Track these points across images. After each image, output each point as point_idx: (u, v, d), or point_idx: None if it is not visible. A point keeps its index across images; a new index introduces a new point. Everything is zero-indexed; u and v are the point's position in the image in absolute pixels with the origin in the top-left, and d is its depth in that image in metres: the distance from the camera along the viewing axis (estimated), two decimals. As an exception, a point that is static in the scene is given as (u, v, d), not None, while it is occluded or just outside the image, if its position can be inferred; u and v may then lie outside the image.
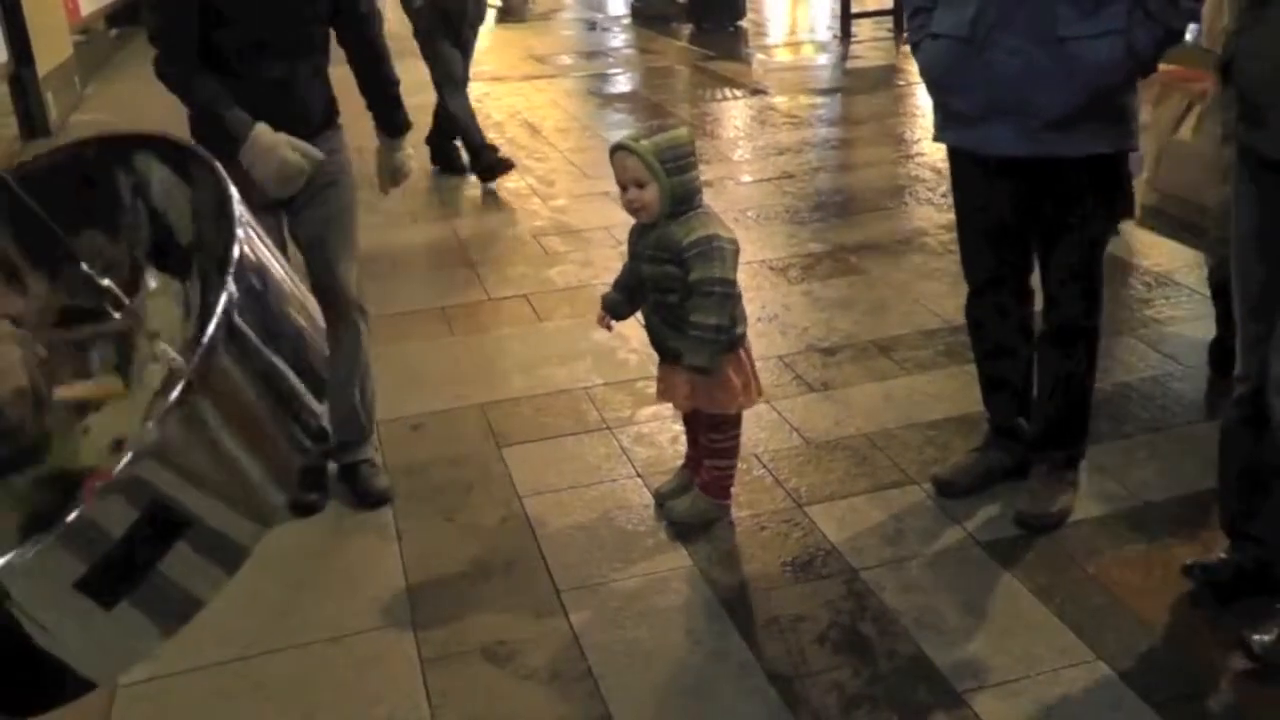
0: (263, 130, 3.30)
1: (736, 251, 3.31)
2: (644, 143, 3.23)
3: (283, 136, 3.34)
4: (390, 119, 3.76)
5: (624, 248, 5.87)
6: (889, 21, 13.05)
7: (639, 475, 3.83)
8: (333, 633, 3.17)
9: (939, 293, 5.20)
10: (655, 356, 3.57)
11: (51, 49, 9.76)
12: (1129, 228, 5.36)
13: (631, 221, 3.43)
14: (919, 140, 8.00)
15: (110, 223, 1.87)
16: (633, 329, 4.74)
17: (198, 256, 1.79)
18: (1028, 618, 3.04)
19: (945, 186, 6.76)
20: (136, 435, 1.56)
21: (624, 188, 3.31)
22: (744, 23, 14.06)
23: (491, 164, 7.39)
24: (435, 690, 2.92)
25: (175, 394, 1.37)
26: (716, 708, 2.79)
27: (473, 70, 7.73)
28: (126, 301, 1.76)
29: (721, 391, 3.38)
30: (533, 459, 3.98)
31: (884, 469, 3.78)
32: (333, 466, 3.85)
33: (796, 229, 6.27)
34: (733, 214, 6.24)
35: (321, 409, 1.61)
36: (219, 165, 1.68)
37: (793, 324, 5.00)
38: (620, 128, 9.09)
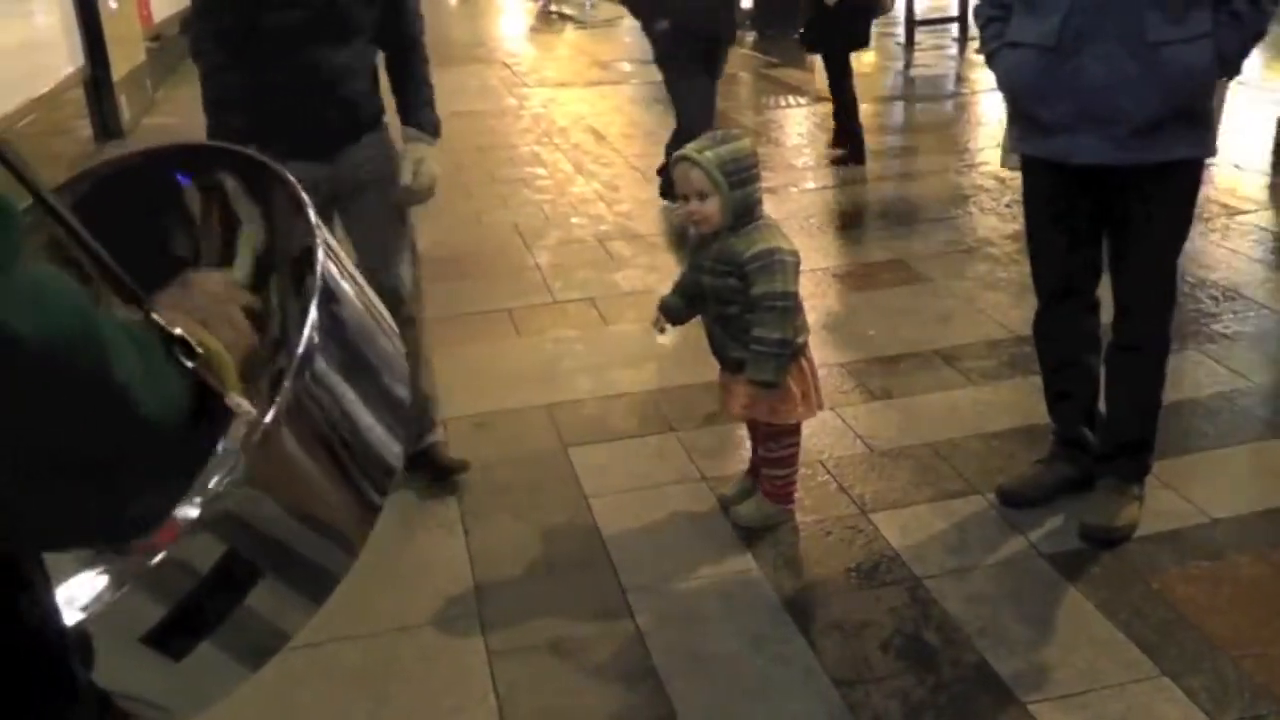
0: None
1: (797, 264, 3.32)
2: (708, 154, 3.24)
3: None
4: (425, 117, 3.70)
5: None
6: (953, 29, 13.02)
7: (704, 479, 3.86)
8: (400, 624, 3.23)
9: (1003, 303, 5.20)
10: (719, 369, 3.60)
11: (126, 54, 9.98)
12: (1199, 240, 5.33)
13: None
14: (983, 149, 7.98)
15: (183, 233, 1.84)
16: (698, 333, 4.79)
17: (274, 272, 1.75)
18: (1092, 631, 3.03)
19: (1009, 196, 6.77)
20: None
21: (686, 198, 3.33)
22: (807, 30, 14.04)
23: None
24: (502, 682, 2.96)
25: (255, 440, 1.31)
26: (780, 710, 2.82)
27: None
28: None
29: (782, 402, 3.40)
30: (598, 460, 4.02)
31: (948, 478, 3.78)
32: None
33: (859, 237, 6.29)
34: (796, 221, 6.27)
35: (399, 447, 1.53)
36: (298, 186, 1.62)
37: (856, 332, 5.01)
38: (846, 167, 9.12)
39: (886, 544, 3.45)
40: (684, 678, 2.94)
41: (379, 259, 3.62)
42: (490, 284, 5.80)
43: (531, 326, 5.25)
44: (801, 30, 8.08)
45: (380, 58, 3.65)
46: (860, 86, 7.96)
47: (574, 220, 6.97)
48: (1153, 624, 3.04)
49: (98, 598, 1.39)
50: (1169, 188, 3.20)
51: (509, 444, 4.12)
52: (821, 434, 4.04)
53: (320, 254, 1.47)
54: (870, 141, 8.32)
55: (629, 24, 16.07)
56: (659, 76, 6.72)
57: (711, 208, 3.26)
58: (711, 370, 3.65)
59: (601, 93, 11.00)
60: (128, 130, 9.48)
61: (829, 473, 3.85)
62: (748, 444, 3.75)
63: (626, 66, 12.50)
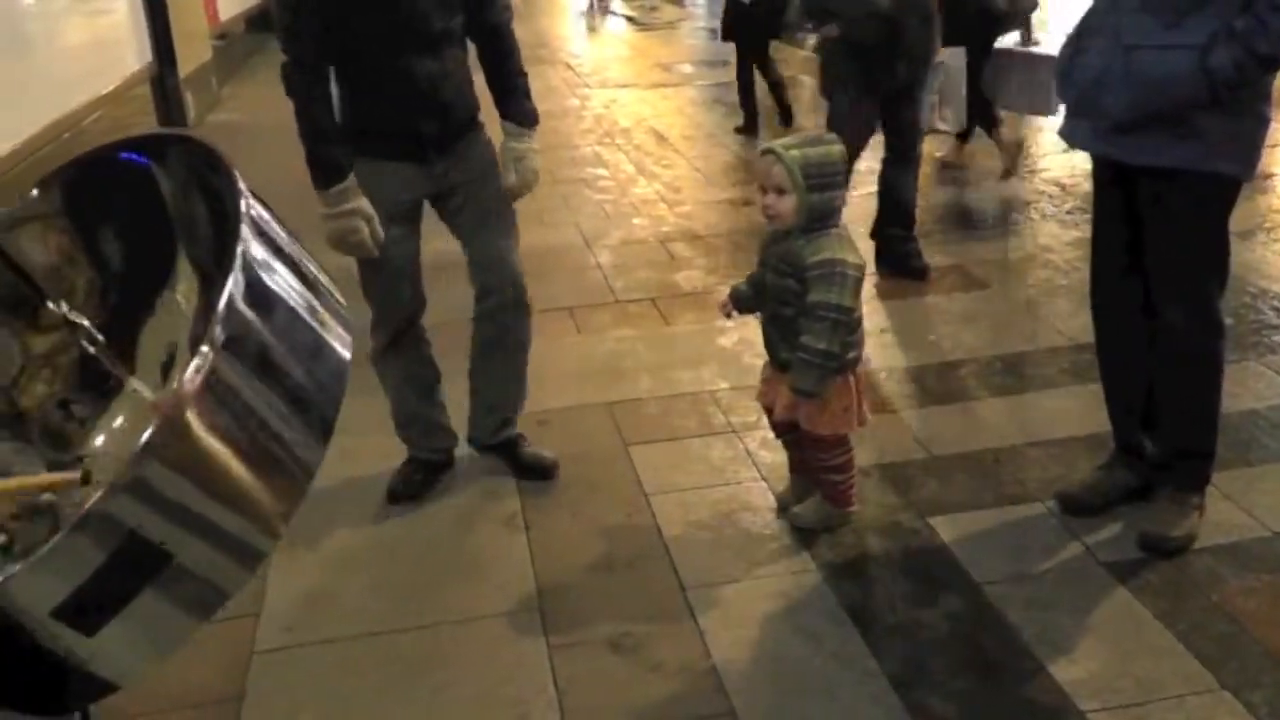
0: (353, 192, 3.37)
1: (860, 278, 3.30)
2: (793, 152, 3.24)
3: (368, 210, 3.40)
4: (520, 107, 3.68)
5: (750, 254, 5.97)
6: (1016, 32, 12.93)
7: (763, 479, 3.88)
8: (461, 616, 3.27)
9: (1065, 311, 5.18)
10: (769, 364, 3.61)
11: (192, 52, 10.14)
12: (1260, 250, 5.28)
13: (760, 230, 3.46)
14: (1044, 155, 7.94)
15: (135, 224, 1.96)
16: (759, 335, 4.80)
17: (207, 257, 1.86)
18: (1151, 642, 3.02)
19: (1070, 203, 6.75)
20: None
21: (764, 191, 3.34)
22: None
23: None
24: (562, 676, 3.00)
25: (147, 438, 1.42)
26: (838, 710, 2.83)
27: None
28: (99, 338, 1.86)
29: (819, 413, 3.39)
30: (658, 459, 4.05)
31: (1007, 484, 3.78)
32: (463, 450, 3.99)
33: (921, 241, 6.27)
34: (856, 224, 6.22)
35: (319, 449, 1.66)
36: (234, 171, 1.72)
37: (917, 337, 5.02)
38: (745, 136, 9.14)
39: (945, 549, 3.46)
40: (743, 676, 2.97)
41: (490, 254, 3.67)
42: (552, 283, 5.83)
43: (592, 325, 5.30)
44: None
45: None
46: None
47: (635, 221, 7.01)
48: (1212, 636, 3.03)
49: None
50: (1175, 198, 3.17)
51: (570, 441, 4.15)
52: (881, 437, 4.05)
53: (244, 230, 1.57)
54: (930, 145, 8.31)
55: (690, 26, 16.11)
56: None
57: (786, 205, 3.26)
58: (771, 372, 3.67)
59: (663, 94, 11.03)
60: (193, 126, 9.62)
61: (888, 476, 3.86)
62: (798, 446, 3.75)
63: (688, 68, 12.52)
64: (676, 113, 10.18)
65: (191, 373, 1.45)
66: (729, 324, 5.05)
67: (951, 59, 6.71)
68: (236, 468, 1.51)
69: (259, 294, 1.57)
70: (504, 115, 3.69)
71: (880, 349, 4.87)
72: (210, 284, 1.85)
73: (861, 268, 3.31)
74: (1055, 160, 7.69)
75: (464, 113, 3.59)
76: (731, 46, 9.37)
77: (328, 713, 2.94)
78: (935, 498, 3.73)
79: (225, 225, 1.71)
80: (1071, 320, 5.00)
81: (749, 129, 9.44)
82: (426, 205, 3.64)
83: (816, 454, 3.54)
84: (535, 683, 2.98)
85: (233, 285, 1.52)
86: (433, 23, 3.40)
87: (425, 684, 3.01)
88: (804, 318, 3.28)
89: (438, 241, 3.79)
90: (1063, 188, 6.99)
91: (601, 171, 8.25)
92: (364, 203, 3.39)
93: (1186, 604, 3.16)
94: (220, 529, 1.52)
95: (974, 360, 4.75)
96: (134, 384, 1.90)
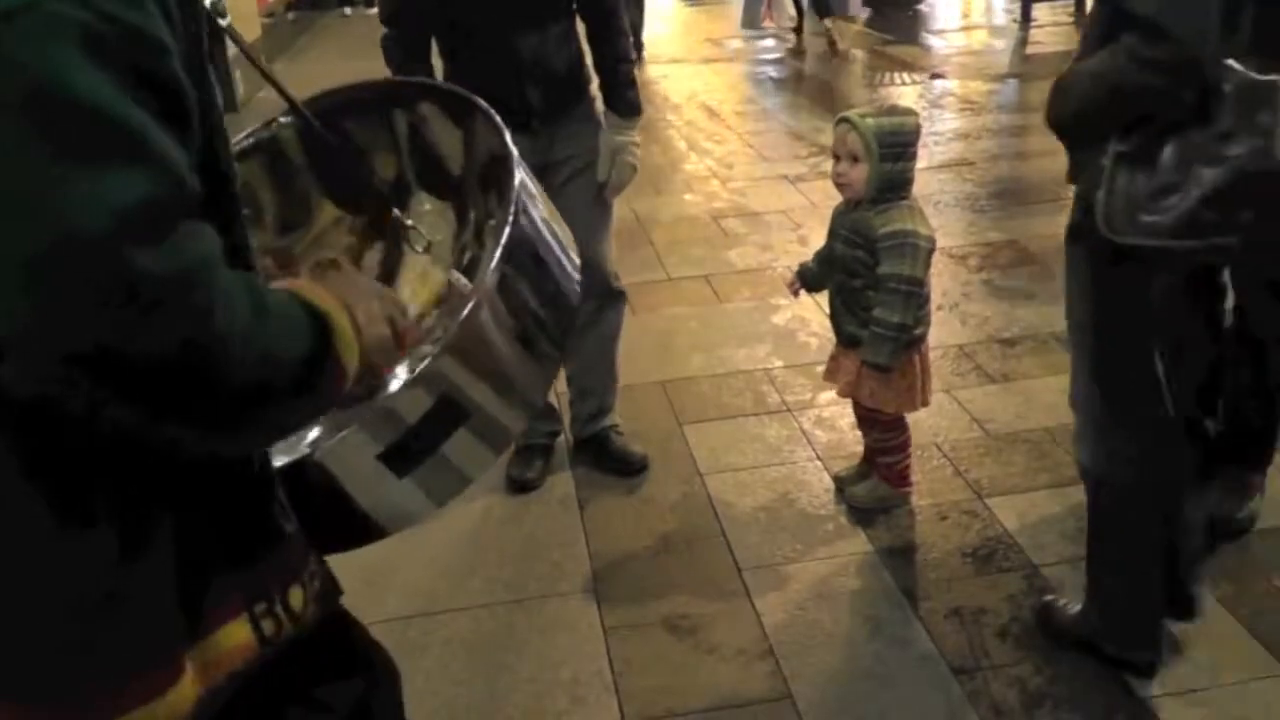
0: None
1: (931, 250, 3.27)
2: (869, 121, 3.21)
3: None
4: (620, 96, 3.60)
5: (803, 231, 5.97)
6: (1070, 5, 12.78)
7: (819, 458, 3.86)
8: (516, 595, 3.28)
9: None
10: (834, 341, 3.58)
11: (242, 30, 10.15)
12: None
13: (814, 206, 3.43)
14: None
15: (386, 151, 2.09)
16: (813, 312, 4.78)
17: (468, 187, 2.04)
18: (1213, 626, 2.97)
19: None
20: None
21: (836, 159, 3.31)
22: (922, 6, 13.89)
23: None
24: (618, 658, 3.00)
25: (469, 305, 1.60)
26: (897, 695, 2.82)
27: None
28: (408, 223, 1.98)
29: (885, 389, 3.36)
30: (713, 438, 4.04)
31: (1065, 464, 3.72)
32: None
33: (976, 217, 6.22)
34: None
35: (561, 345, 1.85)
36: (495, 114, 1.89)
37: (973, 313, 4.97)
38: (797, 111, 9.08)
39: (1003, 529, 3.43)
40: (799, 658, 2.95)
41: (583, 238, 3.64)
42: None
43: (646, 303, 5.28)
44: None
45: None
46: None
47: (687, 197, 6.97)
48: (1276, 620, 2.98)
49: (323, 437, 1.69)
50: None
51: (624, 420, 4.12)
52: (937, 417, 4.02)
53: (516, 165, 1.75)
54: (984, 120, 8.22)
55: (739, 1, 16.02)
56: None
57: (858, 174, 3.23)
58: (826, 349, 3.65)
59: (715, 69, 10.97)
60: (242, 104, 9.66)
61: (944, 455, 3.83)
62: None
63: (739, 43, 12.44)
64: (728, 88, 10.12)
65: (497, 260, 1.62)
66: (783, 301, 5.03)
67: None
68: (512, 348, 1.72)
69: (530, 196, 1.77)
70: (606, 103, 3.64)
71: (935, 326, 4.68)
72: (462, 203, 2.08)
73: (932, 240, 3.29)
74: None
75: (571, 84, 3.54)
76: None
77: (384, 692, 2.95)
78: (992, 478, 3.70)
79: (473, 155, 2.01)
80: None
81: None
82: None
83: (873, 433, 3.51)
84: (591, 665, 2.99)
85: (519, 180, 1.72)
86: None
87: (481, 665, 3.02)
88: (873, 290, 3.26)
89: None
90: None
91: (653, 148, 8.18)
92: None
93: (1249, 588, 3.12)
94: (503, 396, 1.72)
95: (1029, 337, 4.70)
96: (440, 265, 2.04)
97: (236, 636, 1.31)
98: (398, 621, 3.18)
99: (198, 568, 1.27)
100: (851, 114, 3.28)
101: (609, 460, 3.89)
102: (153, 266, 1.00)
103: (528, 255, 1.71)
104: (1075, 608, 2.92)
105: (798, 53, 10.18)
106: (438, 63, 3.50)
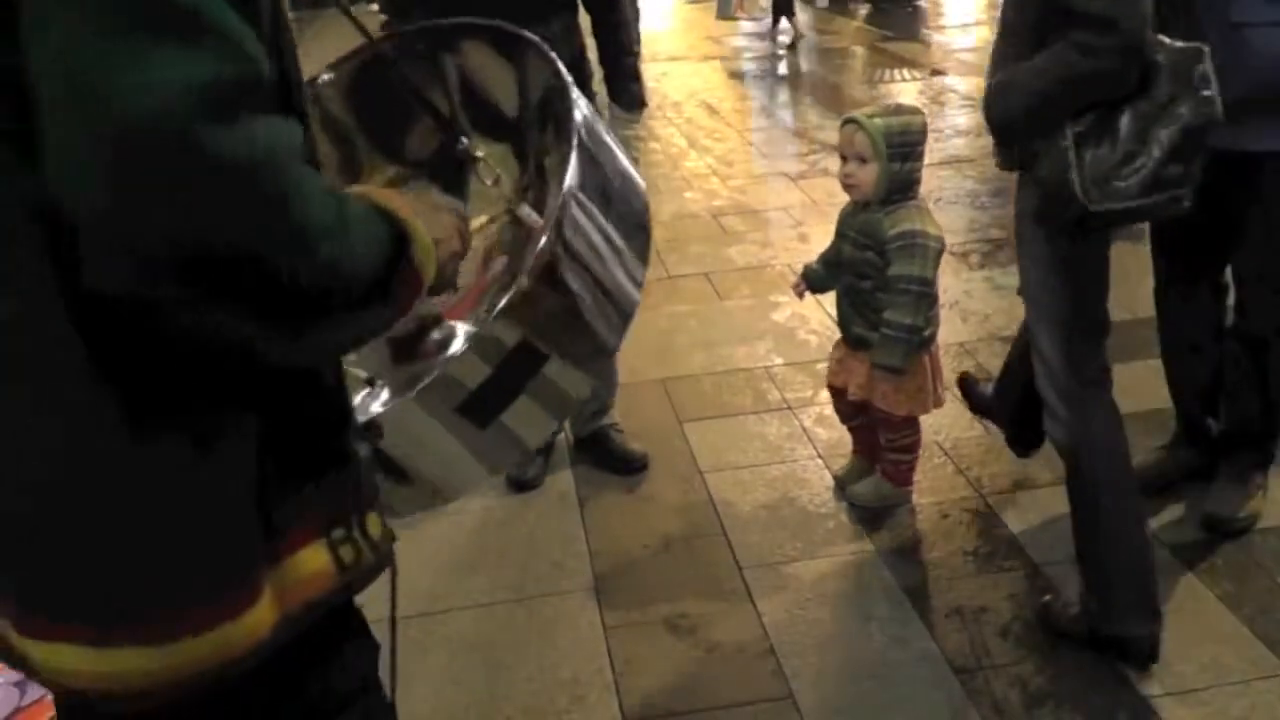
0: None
1: (940, 250, 3.26)
2: (876, 121, 3.20)
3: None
4: (623, 89, 3.62)
5: (803, 228, 5.96)
6: None
7: (820, 457, 3.85)
8: (516, 594, 3.27)
9: (1124, 285, 5.08)
10: (835, 338, 3.58)
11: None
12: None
13: (814, 205, 3.42)
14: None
15: (441, 96, 2.08)
16: (813, 310, 4.77)
17: (526, 124, 2.02)
18: (1215, 625, 2.97)
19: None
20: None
21: (844, 160, 3.30)
22: (922, 3, 13.88)
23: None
24: (618, 657, 2.99)
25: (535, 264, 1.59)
26: (897, 694, 2.81)
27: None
28: (478, 154, 1.97)
29: (897, 391, 3.35)
30: (713, 436, 4.03)
31: (1067, 463, 3.73)
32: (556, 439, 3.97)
33: (977, 214, 6.21)
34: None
35: (644, 269, 1.86)
36: (546, 47, 1.89)
37: (974, 311, 4.95)
38: (797, 109, 9.08)
39: (1005, 528, 3.42)
40: (801, 658, 2.95)
41: None
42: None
43: (645, 301, 5.16)
44: None
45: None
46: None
47: (687, 195, 6.97)
48: (1277, 620, 2.97)
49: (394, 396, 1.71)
50: (1263, 183, 3.03)
51: (624, 418, 4.12)
52: (939, 415, 3.98)
53: (576, 100, 1.74)
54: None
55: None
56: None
57: (867, 175, 3.22)
58: (827, 347, 3.64)
59: (714, 67, 10.96)
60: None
61: (946, 454, 3.83)
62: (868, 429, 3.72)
63: (739, 41, 12.43)
64: (728, 86, 10.11)
65: (569, 179, 1.62)
66: (784, 299, 5.02)
67: None
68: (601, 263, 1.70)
69: (591, 135, 1.75)
70: (609, 95, 3.63)
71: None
72: (521, 144, 2.06)
73: (942, 240, 3.28)
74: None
75: (574, 77, 3.52)
76: None
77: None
78: (994, 476, 3.69)
79: (527, 93, 2.00)
80: (1131, 295, 4.90)
81: None
82: None
83: (885, 433, 3.50)
84: (592, 664, 2.98)
85: (579, 112, 1.73)
86: None
87: (483, 664, 3.01)
88: (883, 291, 3.25)
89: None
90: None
91: (653, 145, 8.19)
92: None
93: (1250, 586, 3.11)
94: (575, 348, 1.72)
95: (1032, 336, 4.68)
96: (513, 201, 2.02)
97: (315, 562, 1.26)
98: (399, 621, 3.15)
99: (274, 481, 1.21)
100: (858, 114, 3.26)
101: (609, 459, 3.88)
102: (224, 147, 0.97)
103: (595, 180, 1.70)
104: (1076, 608, 2.92)
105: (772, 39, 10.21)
106: None
